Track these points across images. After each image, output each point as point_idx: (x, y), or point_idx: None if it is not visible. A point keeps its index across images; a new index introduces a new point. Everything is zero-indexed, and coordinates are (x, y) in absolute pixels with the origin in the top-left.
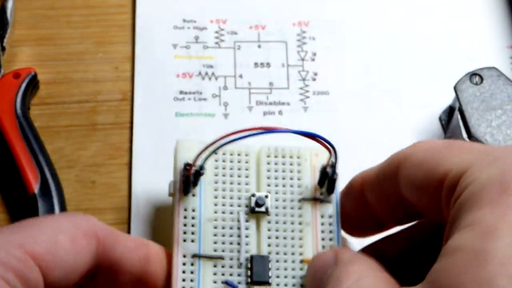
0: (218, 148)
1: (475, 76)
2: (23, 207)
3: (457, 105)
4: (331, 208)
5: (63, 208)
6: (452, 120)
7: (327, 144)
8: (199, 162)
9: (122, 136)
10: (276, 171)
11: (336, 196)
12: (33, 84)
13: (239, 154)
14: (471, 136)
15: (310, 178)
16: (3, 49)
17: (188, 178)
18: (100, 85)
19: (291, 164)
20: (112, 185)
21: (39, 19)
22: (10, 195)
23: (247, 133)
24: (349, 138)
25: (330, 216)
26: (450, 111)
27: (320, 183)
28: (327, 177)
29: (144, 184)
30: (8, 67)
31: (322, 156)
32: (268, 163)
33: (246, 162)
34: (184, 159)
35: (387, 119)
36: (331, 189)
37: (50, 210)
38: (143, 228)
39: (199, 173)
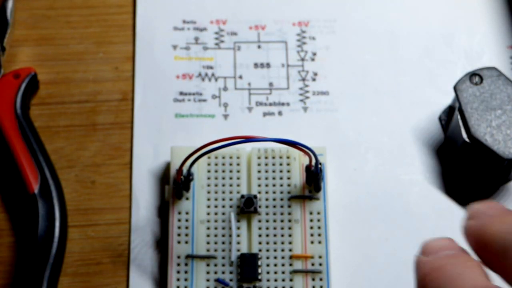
0: (202, 155)
1: (475, 76)
2: (22, 207)
3: (457, 105)
4: (319, 205)
5: (62, 208)
6: (452, 120)
7: (305, 150)
8: (187, 169)
9: (122, 136)
10: (266, 171)
11: (324, 193)
12: (33, 84)
13: (230, 157)
14: (471, 136)
15: (299, 176)
16: (3, 49)
17: (178, 183)
18: (100, 85)
19: (280, 164)
20: (112, 185)
21: (39, 19)
22: (10, 194)
23: (229, 142)
24: (349, 138)
25: (319, 213)
26: (450, 111)
27: (308, 181)
28: (313, 176)
29: (145, 185)
30: (8, 67)
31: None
32: (259, 164)
33: (238, 164)
34: (177, 165)
35: (387, 119)
36: (318, 187)
37: (50, 210)
38: (144, 229)
39: (188, 178)
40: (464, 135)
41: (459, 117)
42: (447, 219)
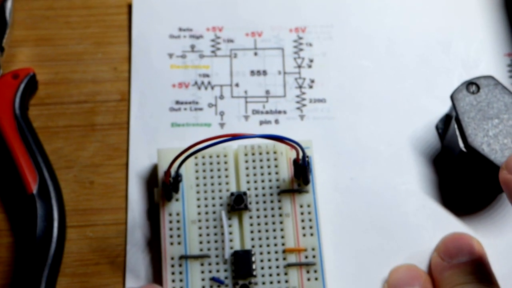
0: (189, 156)
1: (472, 85)
2: (21, 207)
3: (453, 114)
4: (309, 198)
5: (61, 208)
6: (449, 129)
7: (292, 144)
8: (175, 170)
9: (120, 136)
10: (254, 167)
11: (312, 185)
12: (32, 84)
13: (217, 156)
14: (468, 146)
15: (287, 171)
16: (2, 49)
17: (167, 185)
18: (98, 86)
19: (268, 160)
20: (110, 185)
21: (38, 20)
22: (9, 195)
23: (215, 141)
24: (346, 147)
25: (309, 205)
26: (446, 119)
27: (296, 175)
28: (301, 169)
29: (139, 188)
30: (7, 67)
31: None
32: (246, 161)
33: (225, 163)
34: (165, 167)
35: (384, 127)
36: (306, 179)
37: (49, 210)
38: (138, 231)
39: (176, 179)
40: (461, 145)
41: (456, 126)
42: (443, 229)
